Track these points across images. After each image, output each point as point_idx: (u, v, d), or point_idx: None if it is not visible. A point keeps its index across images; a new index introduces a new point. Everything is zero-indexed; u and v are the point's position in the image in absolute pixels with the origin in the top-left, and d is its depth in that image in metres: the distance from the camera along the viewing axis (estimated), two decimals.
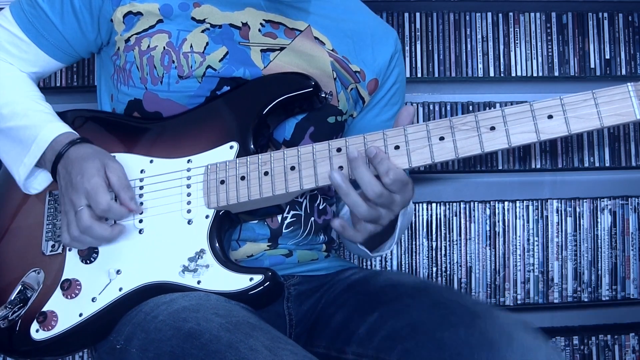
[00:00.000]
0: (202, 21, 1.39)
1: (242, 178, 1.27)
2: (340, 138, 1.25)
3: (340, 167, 1.23)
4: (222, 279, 1.23)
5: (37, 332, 1.27)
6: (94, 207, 1.24)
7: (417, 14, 2.57)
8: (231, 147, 1.32)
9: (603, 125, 1.11)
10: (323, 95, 1.36)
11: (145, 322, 1.18)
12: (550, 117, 1.14)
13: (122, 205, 1.27)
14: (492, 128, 1.16)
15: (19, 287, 1.31)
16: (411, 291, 1.30)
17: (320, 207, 1.48)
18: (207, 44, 1.37)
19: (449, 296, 1.27)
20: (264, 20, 1.42)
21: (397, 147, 1.20)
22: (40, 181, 1.39)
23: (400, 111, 1.24)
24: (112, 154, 1.34)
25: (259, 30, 1.42)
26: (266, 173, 1.26)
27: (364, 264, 2.53)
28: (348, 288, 1.40)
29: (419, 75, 2.56)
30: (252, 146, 1.31)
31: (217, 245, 1.26)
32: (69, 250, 1.32)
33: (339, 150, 1.23)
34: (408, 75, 2.53)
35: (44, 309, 1.28)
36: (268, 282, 1.22)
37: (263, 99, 1.34)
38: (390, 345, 1.21)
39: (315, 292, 1.45)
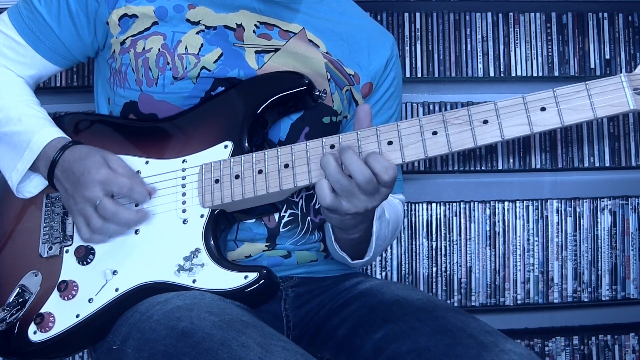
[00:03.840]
0: (197, 23, 1.39)
1: (237, 177, 1.27)
2: (334, 135, 1.24)
3: (332, 146, 1.22)
4: (217, 278, 1.23)
5: (34, 334, 1.27)
6: (117, 191, 1.26)
7: (417, 14, 2.57)
8: (226, 147, 1.31)
9: (596, 116, 1.11)
10: (317, 93, 1.36)
11: (141, 322, 1.18)
12: (543, 109, 1.14)
13: None
14: (485, 121, 1.16)
15: (16, 290, 1.32)
16: (418, 312, 1.29)
17: (317, 207, 1.48)
18: (202, 45, 1.37)
19: (456, 322, 1.25)
20: (258, 22, 1.42)
21: (390, 143, 1.19)
22: (36, 185, 1.39)
23: (357, 111, 1.23)
24: None
25: (254, 31, 1.41)
26: (260, 171, 1.26)
27: (364, 268, 2.52)
28: (353, 299, 1.39)
29: (419, 75, 2.55)
30: (246, 145, 1.31)
31: (212, 243, 1.26)
32: (66, 252, 1.33)
33: (332, 147, 1.22)
34: (408, 75, 2.53)
35: (41, 310, 1.28)
36: (263, 280, 1.21)
37: (257, 98, 1.34)
38: None
39: (315, 296, 1.44)
